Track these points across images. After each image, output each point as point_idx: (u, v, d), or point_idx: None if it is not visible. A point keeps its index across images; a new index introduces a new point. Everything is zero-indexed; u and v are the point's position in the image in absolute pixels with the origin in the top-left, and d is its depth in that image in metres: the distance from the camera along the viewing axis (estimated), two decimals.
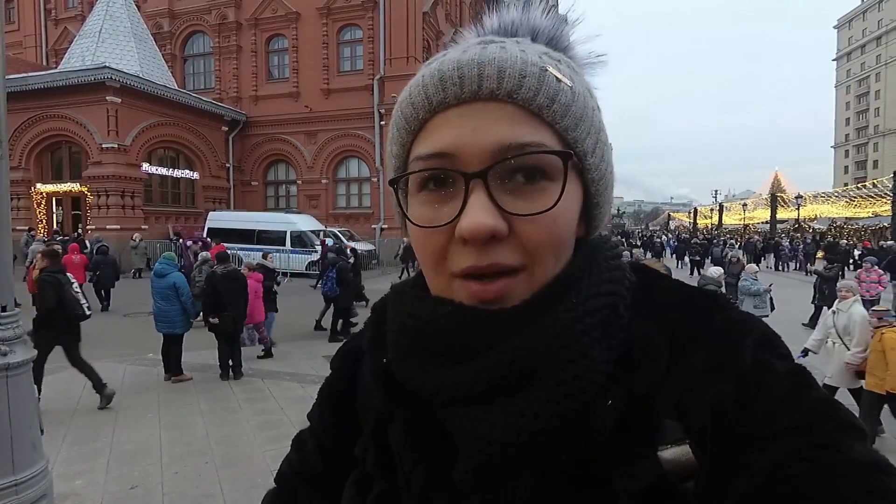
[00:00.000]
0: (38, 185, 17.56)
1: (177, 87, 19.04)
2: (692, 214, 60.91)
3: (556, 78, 0.41)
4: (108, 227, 15.99)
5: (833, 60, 74.65)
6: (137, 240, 14.89)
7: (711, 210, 58.14)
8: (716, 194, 66.88)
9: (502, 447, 0.37)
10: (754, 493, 0.33)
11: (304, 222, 16.71)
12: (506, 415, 0.38)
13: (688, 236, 30.14)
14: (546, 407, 0.37)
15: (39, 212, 17.63)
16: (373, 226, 19.16)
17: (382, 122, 18.75)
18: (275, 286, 7.84)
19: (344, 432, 0.53)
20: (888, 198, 27.49)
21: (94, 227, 16.26)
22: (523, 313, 0.40)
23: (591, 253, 0.45)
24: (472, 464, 0.39)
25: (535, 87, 0.40)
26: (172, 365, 5.93)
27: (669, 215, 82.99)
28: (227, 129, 20.36)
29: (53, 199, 17.94)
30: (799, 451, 0.34)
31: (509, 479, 0.38)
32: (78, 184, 17.05)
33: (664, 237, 23.35)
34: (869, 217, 33.41)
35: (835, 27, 73.48)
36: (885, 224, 27.93)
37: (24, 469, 2.51)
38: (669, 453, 0.37)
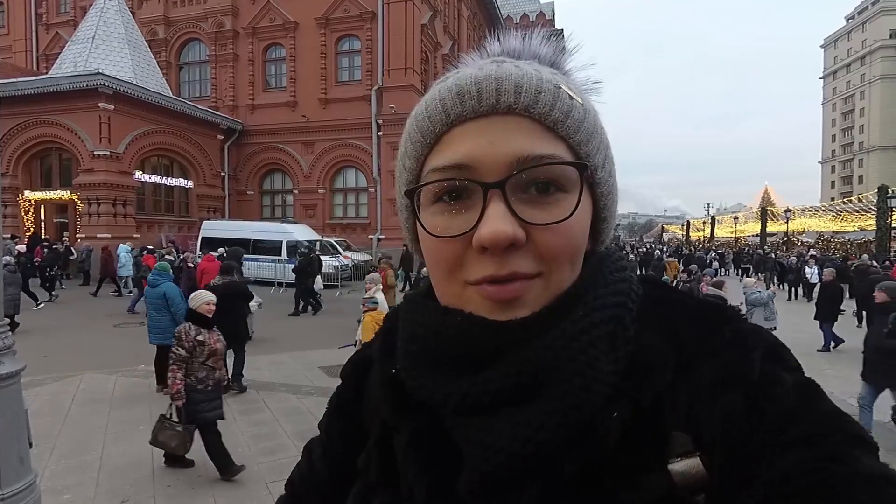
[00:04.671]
0: (27, 193, 17.30)
1: (171, 95, 18.96)
2: (685, 227, 61.64)
3: (569, 95, 0.43)
4: (98, 235, 15.75)
5: (820, 79, 76.63)
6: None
7: (704, 223, 58.85)
8: (708, 207, 67.84)
9: (508, 457, 0.38)
10: None
11: (301, 232, 16.58)
12: (512, 425, 0.39)
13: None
14: (552, 418, 0.38)
15: (27, 219, 17.34)
16: (370, 236, 19.10)
17: (380, 133, 18.81)
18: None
19: (351, 441, 0.53)
20: (873, 213, 28.08)
21: (83, 235, 16.02)
22: (531, 325, 0.40)
23: (598, 265, 0.46)
24: (477, 474, 0.39)
25: (551, 102, 0.42)
26: (165, 376, 5.78)
27: (663, 228, 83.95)
28: (222, 137, 20.27)
29: (43, 206, 17.68)
30: (806, 463, 0.34)
31: (514, 491, 0.38)
32: (68, 191, 16.83)
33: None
34: (854, 231, 34.11)
35: (821, 46, 75.57)
36: (870, 238, 28.47)
37: (11, 483, 2.42)
38: (680, 466, 0.37)
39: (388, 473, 0.46)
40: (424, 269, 7.80)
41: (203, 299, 4.12)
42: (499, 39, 0.49)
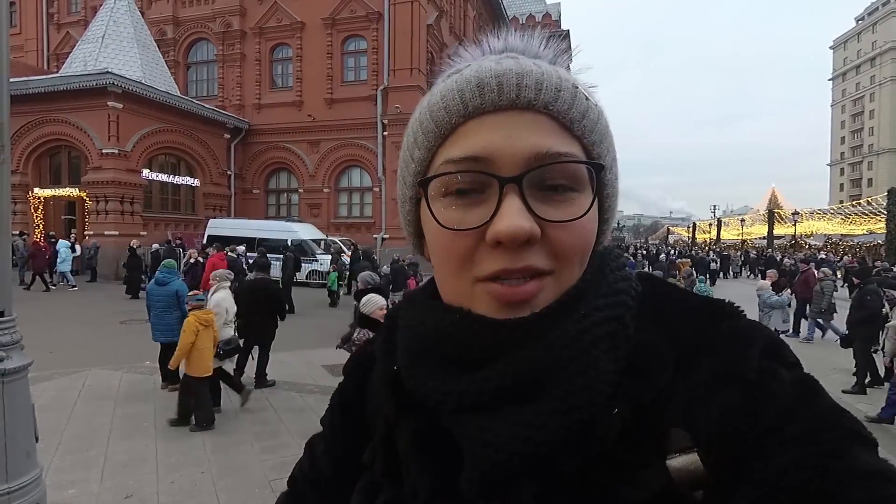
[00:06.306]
0: (36, 190, 17.46)
1: (179, 94, 19.07)
2: (691, 229, 61.20)
3: (585, 96, 0.43)
4: (105, 232, 15.87)
5: (829, 80, 75.85)
6: (135, 246, 14.76)
7: (710, 225, 58.38)
8: (714, 209, 67.25)
9: (508, 455, 0.38)
10: (759, 501, 0.33)
11: (306, 231, 16.64)
12: (512, 424, 0.39)
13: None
14: (553, 418, 0.38)
15: (36, 216, 17.50)
16: (374, 235, 19.12)
17: (385, 133, 18.80)
18: None
19: (353, 438, 0.53)
20: (882, 215, 27.77)
21: (91, 232, 16.16)
22: (532, 324, 0.40)
23: (599, 264, 0.46)
24: (477, 472, 0.39)
25: (570, 101, 0.42)
26: (170, 373, 5.81)
27: (669, 230, 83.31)
28: (229, 136, 20.36)
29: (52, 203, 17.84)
30: (804, 459, 0.33)
31: (514, 488, 0.38)
32: (76, 189, 16.97)
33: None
34: (864, 234, 33.74)
35: (830, 48, 74.80)
36: (880, 241, 28.16)
37: (17, 477, 2.43)
38: (678, 462, 0.37)
39: (392, 470, 0.46)
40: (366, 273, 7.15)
41: (376, 304, 3.91)
42: (497, 37, 0.49)
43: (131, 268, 12.90)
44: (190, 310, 4.84)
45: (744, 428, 0.36)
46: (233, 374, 5.87)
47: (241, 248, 13.20)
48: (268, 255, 12.14)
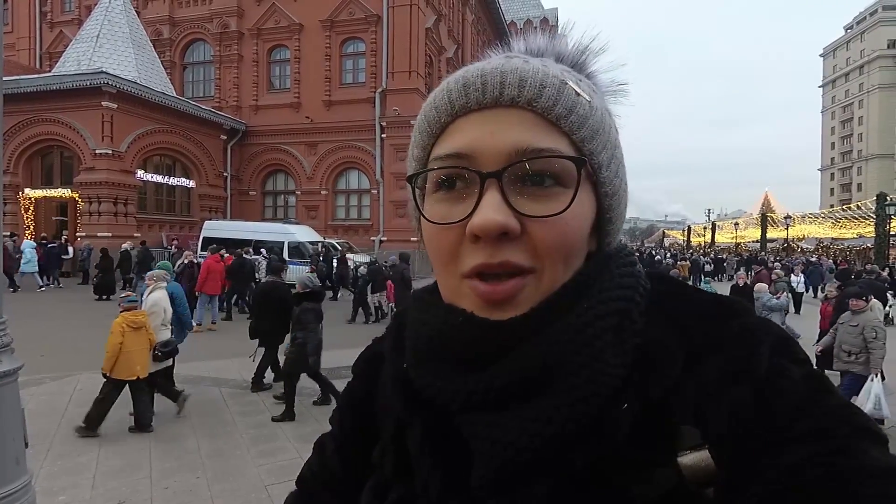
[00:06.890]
0: (27, 191, 17.23)
1: (175, 95, 18.95)
2: (686, 233, 61.67)
3: (575, 91, 0.43)
4: (98, 234, 15.68)
5: (819, 87, 76.91)
6: (129, 248, 14.60)
7: (705, 228, 58.86)
8: (709, 213, 67.83)
9: (517, 451, 0.38)
10: (769, 499, 0.33)
11: (303, 233, 16.50)
12: (520, 420, 0.39)
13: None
14: (560, 412, 0.38)
15: (27, 217, 17.27)
16: (372, 238, 19.06)
17: (383, 135, 18.81)
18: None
19: (363, 437, 0.53)
20: (871, 220, 28.14)
21: (84, 234, 15.96)
22: (532, 321, 0.41)
23: (604, 262, 0.46)
24: (487, 469, 0.39)
25: (554, 97, 0.42)
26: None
27: (664, 233, 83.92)
28: (225, 137, 20.24)
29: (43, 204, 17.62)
30: (814, 456, 0.33)
31: (524, 486, 0.39)
32: (69, 190, 16.77)
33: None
34: (854, 238, 34.24)
35: (820, 55, 75.96)
36: (869, 245, 28.56)
37: (5, 484, 2.37)
38: (689, 459, 0.37)
39: (402, 469, 0.46)
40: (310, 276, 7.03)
41: None
42: (525, 38, 0.49)
43: (103, 269, 12.73)
44: (121, 311, 4.71)
45: (754, 426, 0.36)
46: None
47: (262, 251, 13.22)
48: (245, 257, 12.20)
